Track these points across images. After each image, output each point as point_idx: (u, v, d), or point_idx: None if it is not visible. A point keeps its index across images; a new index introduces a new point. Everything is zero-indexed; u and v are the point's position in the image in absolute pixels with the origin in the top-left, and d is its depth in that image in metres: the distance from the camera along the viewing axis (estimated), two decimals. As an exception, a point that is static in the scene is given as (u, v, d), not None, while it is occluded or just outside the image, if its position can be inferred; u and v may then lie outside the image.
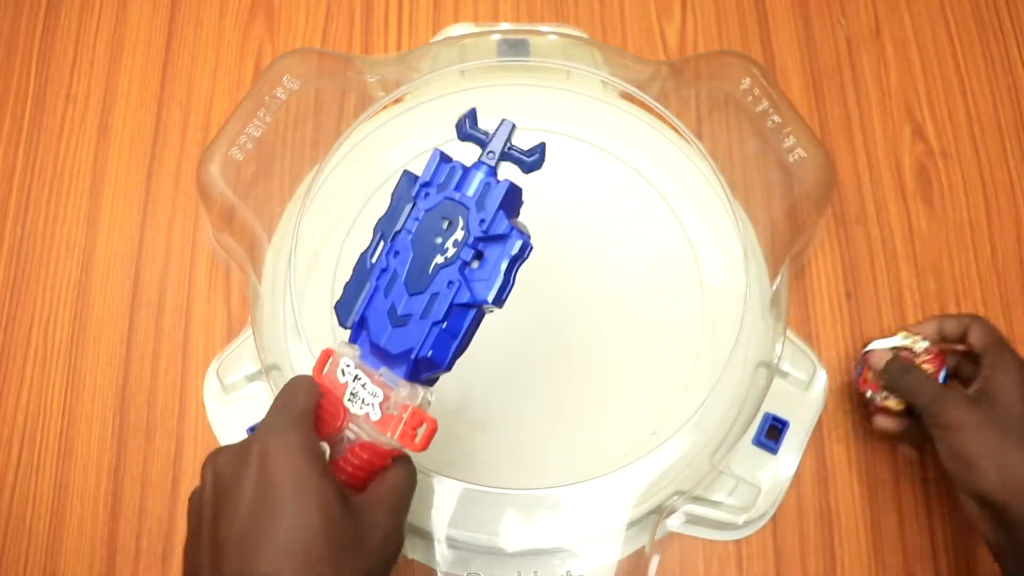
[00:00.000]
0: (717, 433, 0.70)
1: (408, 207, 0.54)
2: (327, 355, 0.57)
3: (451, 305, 0.52)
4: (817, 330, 0.78)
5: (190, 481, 0.74)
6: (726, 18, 0.88)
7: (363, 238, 0.71)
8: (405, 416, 0.53)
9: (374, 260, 0.55)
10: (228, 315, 0.78)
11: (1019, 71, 0.86)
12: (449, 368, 0.54)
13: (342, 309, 0.56)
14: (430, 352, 0.53)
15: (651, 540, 0.69)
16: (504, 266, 0.51)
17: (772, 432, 0.73)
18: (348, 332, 0.56)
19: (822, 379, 0.75)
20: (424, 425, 0.52)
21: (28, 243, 0.80)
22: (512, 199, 0.53)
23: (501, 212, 0.52)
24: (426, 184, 0.54)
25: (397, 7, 0.88)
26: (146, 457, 0.75)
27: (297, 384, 0.55)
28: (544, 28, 0.82)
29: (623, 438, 0.70)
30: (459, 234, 0.52)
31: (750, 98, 0.76)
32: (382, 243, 0.55)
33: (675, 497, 0.69)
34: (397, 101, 0.78)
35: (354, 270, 0.56)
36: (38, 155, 0.83)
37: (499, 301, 0.52)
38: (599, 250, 0.74)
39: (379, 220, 0.55)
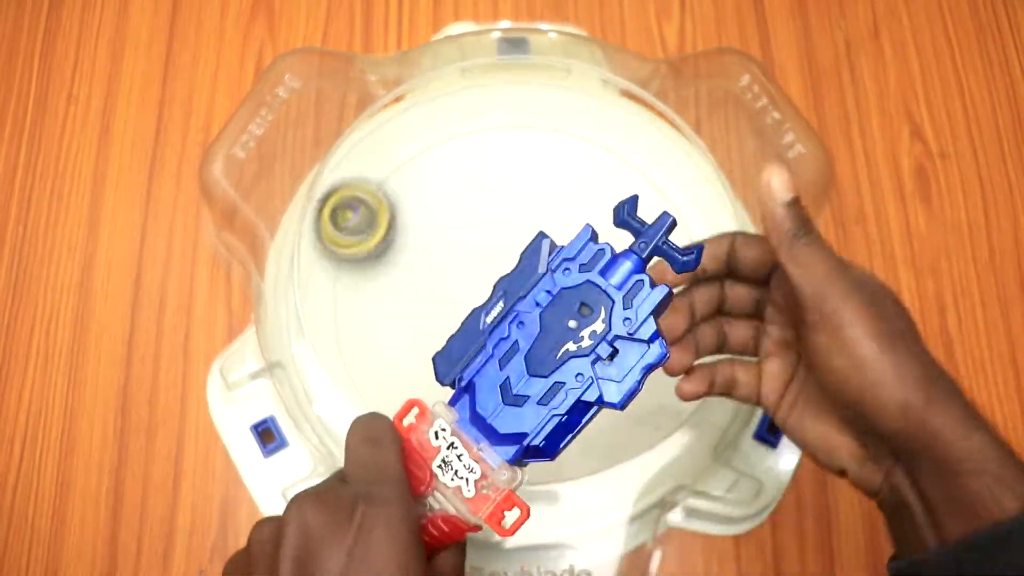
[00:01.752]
0: (718, 428, 0.70)
1: (541, 276, 0.51)
2: (413, 406, 0.53)
3: (577, 400, 0.49)
4: (816, 330, 0.78)
5: (191, 480, 0.75)
6: (724, 18, 0.88)
7: (365, 236, 0.72)
8: (499, 498, 0.50)
9: (489, 320, 0.52)
10: (229, 315, 0.79)
11: (1017, 72, 0.86)
12: (553, 459, 0.51)
13: (443, 363, 0.52)
14: (543, 443, 0.50)
15: (653, 535, 0.69)
16: (640, 372, 0.49)
17: (773, 427, 0.73)
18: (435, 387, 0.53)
19: (823, 375, 0.75)
20: (516, 510, 0.50)
21: (30, 244, 0.80)
22: (664, 306, 0.50)
23: (652, 318, 0.49)
24: (569, 259, 0.51)
25: (397, 7, 0.88)
26: (147, 457, 0.75)
27: (388, 438, 0.51)
28: (544, 26, 0.82)
29: (625, 433, 0.70)
30: (599, 326, 0.49)
31: (749, 95, 0.77)
32: (502, 304, 0.51)
33: (677, 492, 0.69)
34: (398, 99, 0.79)
35: (463, 324, 0.53)
36: (40, 156, 0.83)
37: (624, 406, 0.49)
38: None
39: (502, 278, 0.52)
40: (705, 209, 0.75)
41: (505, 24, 0.85)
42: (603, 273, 0.50)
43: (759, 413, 0.73)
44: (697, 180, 0.76)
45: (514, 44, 0.78)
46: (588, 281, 0.50)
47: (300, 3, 0.88)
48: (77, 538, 0.73)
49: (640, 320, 0.49)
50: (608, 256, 0.51)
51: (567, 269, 0.51)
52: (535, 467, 0.69)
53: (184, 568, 0.73)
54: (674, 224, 0.52)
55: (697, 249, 0.50)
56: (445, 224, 0.75)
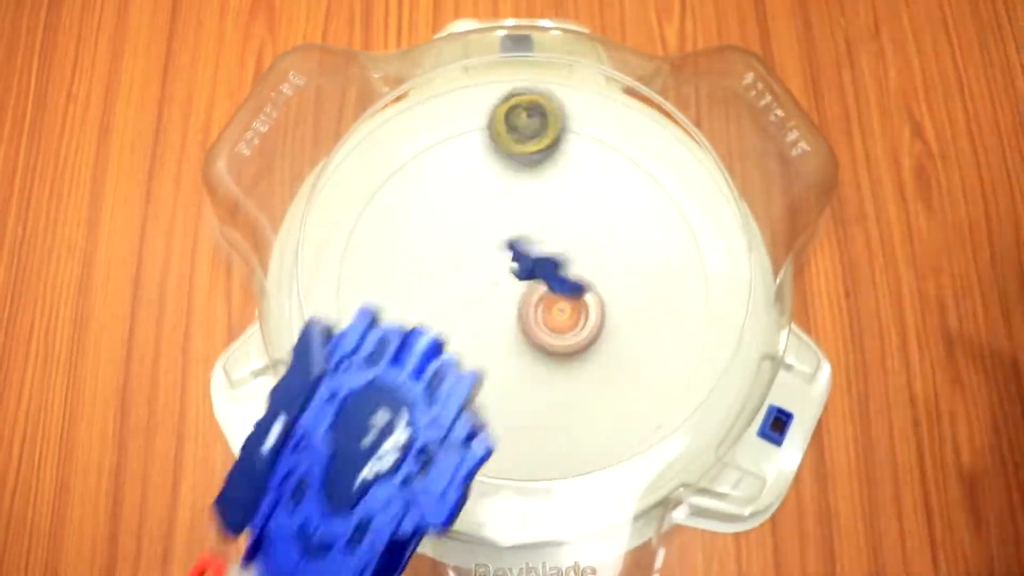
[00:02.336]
0: (722, 426, 0.70)
1: (318, 379, 0.42)
2: (205, 569, 0.45)
3: (391, 539, 0.41)
4: (816, 330, 0.78)
5: (190, 481, 0.74)
6: (725, 17, 0.88)
7: (367, 235, 0.72)
8: None
9: (269, 446, 0.43)
10: (229, 315, 0.78)
11: (1017, 71, 0.86)
12: None
13: (226, 509, 0.44)
14: None
15: (657, 532, 0.69)
16: (462, 481, 0.41)
17: (777, 424, 0.73)
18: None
19: (826, 371, 0.76)
20: None
21: (29, 243, 0.80)
22: (478, 390, 0.43)
23: (465, 413, 0.42)
24: (349, 354, 0.43)
25: (397, 6, 0.88)
26: (147, 457, 0.75)
27: None
28: (547, 23, 0.82)
29: (629, 431, 0.70)
30: (400, 435, 0.41)
31: (753, 93, 0.77)
32: (281, 422, 0.43)
33: (681, 489, 0.69)
34: (400, 97, 0.78)
35: (243, 450, 0.44)
36: (39, 155, 0.83)
37: (451, 523, 0.42)
38: (602, 245, 0.74)
39: (275, 386, 0.44)
40: (708, 207, 0.75)
41: (509, 22, 0.85)
42: (395, 362, 0.43)
43: (763, 410, 0.73)
44: (700, 178, 0.76)
45: (517, 41, 0.78)
46: (376, 379, 0.42)
47: (300, 3, 0.88)
48: (76, 539, 0.73)
49: (451, 416, 0.42)
50: (396, 341, 0.43)
51: (348, 366, 0.43)
52: (538, 464, 0.70)
53: (183, 569, 0.73)
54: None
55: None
56: (449, 222, 0.74)
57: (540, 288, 0.71)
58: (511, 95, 0.75)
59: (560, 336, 0.71)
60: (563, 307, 0.71)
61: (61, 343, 0.78)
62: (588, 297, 0.71)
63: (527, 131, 0.75)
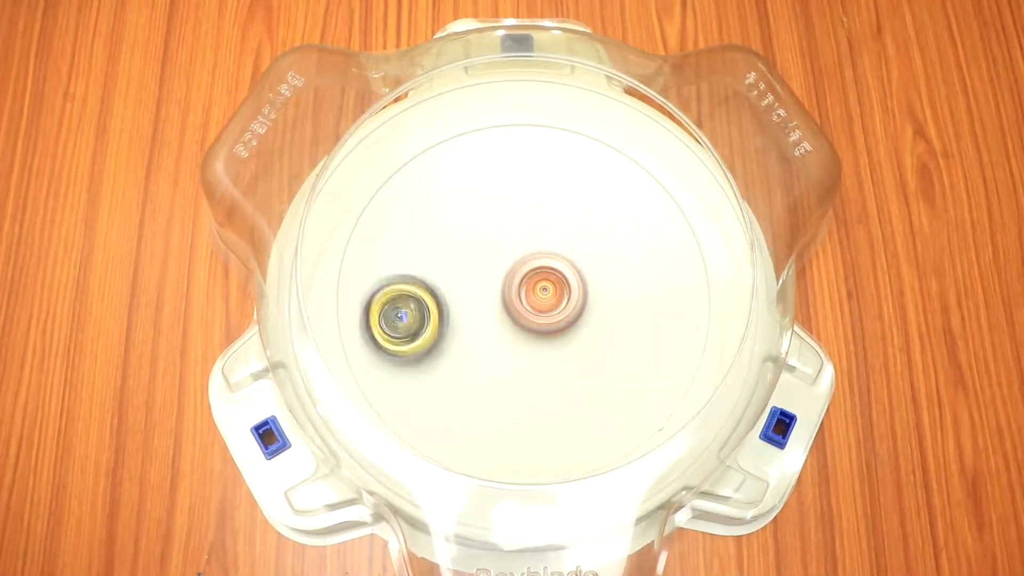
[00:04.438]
0: (725, 428, 0.70)
1: None
2: None
3: None
4: (818, 330, 0.78)
5: (188, 482, 0.74)
6: (727, 17, 0.88)
7: (368, 235, 0.72)
8: None
9: None
10: (227, 315, 0.78)
11: (1021, 70, 0.86)
12: None
13: None
14: None
15: (659, 536, 0.69)
16: None
17: (780, 427, 0.73)
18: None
19: (829, 373, 0.75)
20: None
21: (26, 243, 0.80)
22: None
23: None
24: None
25: (396, 6, 0.88)
26: (144, 458, 0.75)
27: None
28: (548, 23, 0.82)
29: (631, 434, 0.70)
30: None
31: (755, 92, 0.76)
32: None
33: (683, 492, 0.69)
34: (400, 97, 0.78)
35: None
36: (36, 154, 0.82)
37: None
38: (603, 245, 0.74)
39: None
40: (709, 208, 0.75)
41: (509, 21, 0.85)
42: None
43: (766, 413, 0.72)
44: (702, 178, 0.76)
45: (518, 41, 0.78)
46: None
47: (298, 2, 0.88)
48: (73, 540, 0.73)
49: None
50: None
51: None
52: (541, 467, 0.69)
53: (181, 570, 0.72)
54: None
55: None
56: (449, 222, 0.74)
57: (523, 267, 0.71)
58: (377, 290, 0.73)
59: (543, 315, 0.71)
60: (546, 286, 0.71)
61: (58, 343, 0.77)
62: (569, 275, 0.71)
63: (405, 331, 0.71)
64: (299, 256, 0.70)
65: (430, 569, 0.68)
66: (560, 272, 0.72)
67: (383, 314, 0.71)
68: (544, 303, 0.71)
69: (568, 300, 0.71)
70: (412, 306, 0.71)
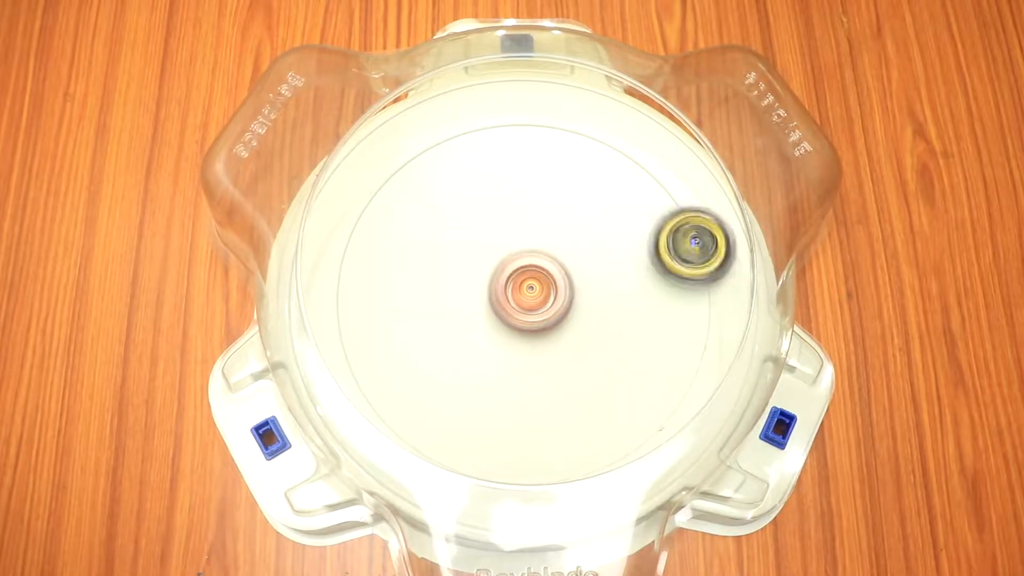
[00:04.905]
0: (725, 428, 0.70)
1: None
2: None
3: None
4: (818, 331, 0.78)
5: (188, 481, 0.74)
6: (726, 17, 0.88)
7: (368, 234, 0.72)
8: None
9: None
10: (227, 315, 0.78)
11: (1021, 70, 0.86)
12: None
13: None
14: None
15: (659, 536, 0.69)
16: None
17: (780, 427, 0.73)
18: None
19: (829, 373, 0.75)
20: None
21: (26, 242, 0.80)
22: None
23: None
24: None
25: (396, 6, 0.88)
26: (144, 458, 0.75)
27: None
28: (548, 23, 0.82)
29: (631, 434, 0.70)
30: None
31: (755, 92, 0.76)
32: None
33: (683, 492, 0.69)
34: (400, 97, 0.78)
35: None
36: (36, 154, 0.82)
37: None
38: (604, 245, 0.74)
39: None
40: (710, 206, 0.75)
41: (509, 21, 0.85)
42: None
43: (766, 413, 0.72)
44: (702, 178, 0.76)
45: (518, 41, 0.78)
46: None
47: (298, 2, 0.88)
48: (73, 540, 0.73)
49: None
50: None
51: None
52: (542, 469, 0.69)
53: (181, 570, 0.72)
54: None
55: None
56: (449, 223, 0.74)
57: (509, 266, 0.72)
58: (672, 215, 0.74)
59: (531, 313, 0.71)
60: (532, 284, 0.71)
61: (58, 343, 0.77)
62: (554, 272, 0.71)
63: (692, 256, 0.73)
64: (299, 256, 0.70)
65: (430, 569, 0.68)
66: (546, 270, 0.72)
67: (673, 239, 0.73)
68: (530, 301, 0.71)
69: (555, 298, 0.71)
70: (703, 235, 0.73)
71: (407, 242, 0.74)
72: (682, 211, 0.73)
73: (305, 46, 0.83)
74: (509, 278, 0.72)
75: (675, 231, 0.73)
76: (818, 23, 0.88)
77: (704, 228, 0.73)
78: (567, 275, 0.72)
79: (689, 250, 0.72)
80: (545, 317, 0.71)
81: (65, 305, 0.78)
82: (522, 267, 0.72)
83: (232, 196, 0.73)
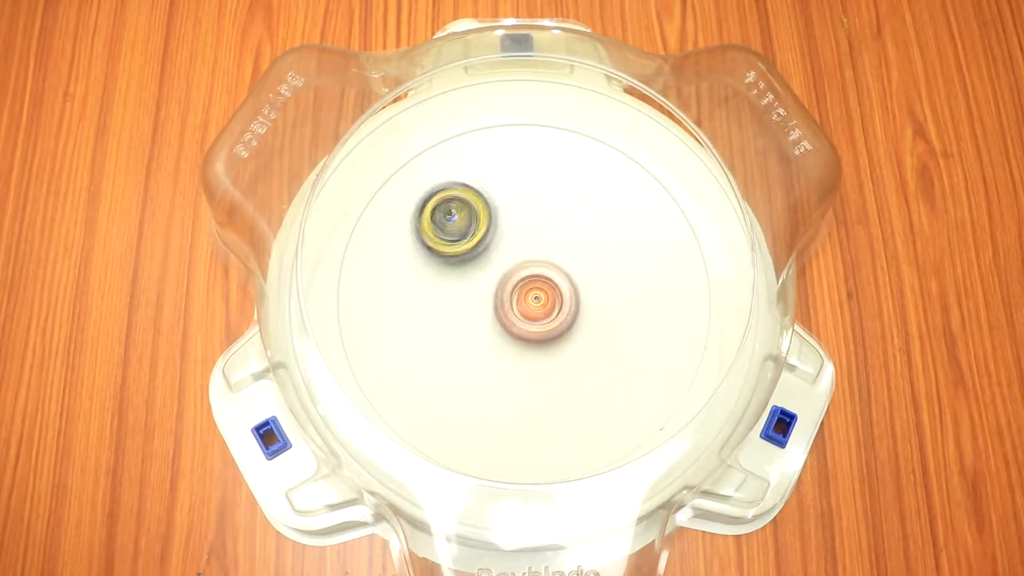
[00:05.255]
0: (725, 427, 0.70)
1: None
2: None
3: None
4: (818, 330, 0.78)
5: (188, 481, 0.74)
6: (726, 17, 0.88)
7: (368, 234, 0.72)
8: None
9: None
10: (227, 315, 0.78)
11: (1021, 70, 0.86)
12: None
13: None
14: None
15: (660, 535, 0.69)
16: None
17: (780, 426, 0.73)
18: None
19: (829, 372, 0.75)
20: None
21: (26, 242, 0.80)
22: None
23: None
24: None
25: (396, 6, 0.88)
26: (144, 458, 0.75)
27: None
28: (548, 23, 0.82)
29: (632, 433, 0.70)
30: None
31: (754, 92, 0.76)
32: None
33: (684, 492, 0.69)
34: (400, 97, 0.78)
35: None
36: (36, 154, 0.82)
37: None
38: (603, 245, 0.74)
39: None
40: (710, 207, 0.75)
41: (509, 21, 0.85)
42: None
43: (767, 412, 0.72)
44: (702, 177, 0.76)
45: (518, 41, 0.78)
46: None
47: (298, 2, 0.88)
48: (73, 540, 0.73)
49: None
50: None
51: None
52: (543, 468, 0.69)
53: (181, 570, 0.72)
54: None
55: None
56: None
57: (515, 275, 0.72)
58: (433, 192, 0.74)
59: (535, 323, 0.71)
60: (538, 295, 0.71)
61: (58, 342, 0.77)
62: (561, 284, 0.71)
63: (453, 231, 0.73)
64: (299, 256, 0.70)
65: (431, 569, 0.68)
66: (552, 280, 0.72)
67: (433, 215, 0.73)
68: (536, 312, 0.71)
69: (560, 309, 0.71)
70: (462, 208, 0.73)
71: (407, 242, 0.73)
72: (441, 188, 0.74)
73: (305, 46, 0.83)
74: (515, 287, 0.72)
75: (434, 208, 0.73)
76: (818, 23, 0.88)
77: (463, 201, 0.73)
78: (574, 286, 0.72)
79: (449, 226, 0.73)
80: (550, 328, 0.71)
81: (65, 305, 0.78)
82: (528, 276, 0.72)
83: (232, 196, 0.73)
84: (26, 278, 0.79)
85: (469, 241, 0.72)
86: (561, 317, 0.71)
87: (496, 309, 0.71)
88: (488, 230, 0.73)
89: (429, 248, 0.72)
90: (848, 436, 0.75)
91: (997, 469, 0.75)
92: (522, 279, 0.72)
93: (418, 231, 0.73)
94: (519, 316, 0.71)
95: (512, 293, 0.71)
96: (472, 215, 0.73)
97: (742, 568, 0.73)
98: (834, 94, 0.85)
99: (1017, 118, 0.84)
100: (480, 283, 0.73)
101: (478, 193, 0.73)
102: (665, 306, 0.73)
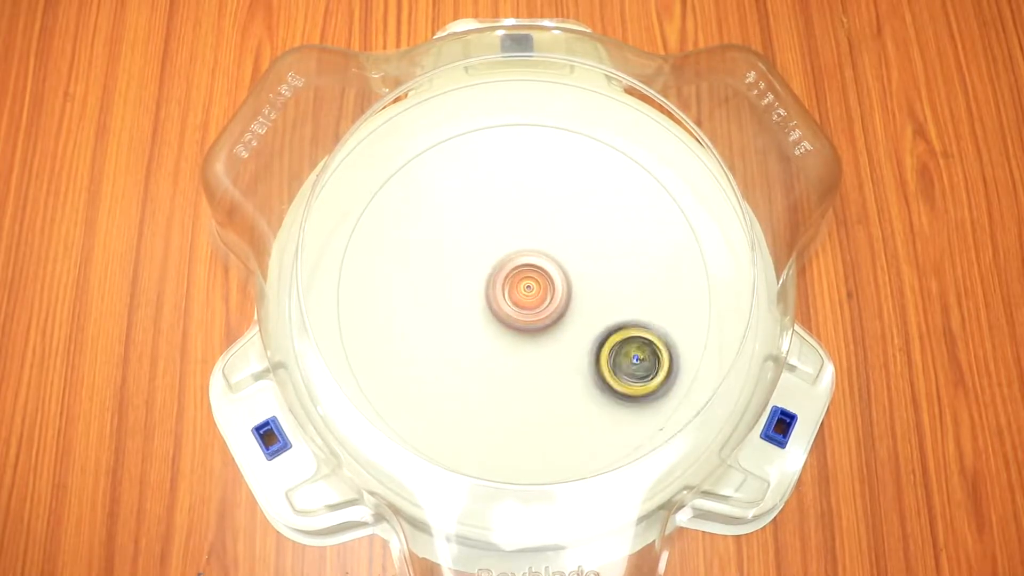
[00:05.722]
0: (725, 427, 0.70)
1: None
2: None
3: None
4: (818, 330, 0.78)
5: (188, 481, 0.74)
6: (727, 17, 0.88)
7: (368, 234, 0.72)
8: None
9: None
10: (227, 316, 0.78)
11: (1021, 70, 0.86)
12: None
13: None
14: None
15: (660, 535, 0.69)
16: None
17: (780, 426, 0.73)
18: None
19: (829, 372, 0.75)
20: None
21: (26, 242, 0.80)
22: None
23: None
24: None
25: (396, 6, 0.88)
26: (144, 458, 0.75)
27: None
28: (548, 23, 0.82)
29: (631, 434, 0.70)
30: None
31: (755, 92, 0.76)
32: None
33: (684, 492, 0.69)
34: (400, 97, 0.78)
35: None
36: (36, 154, 0.82)
37: None
38: (603, 245, 0.74)
39: None
40: (710, 207, 0.75)
41: (509, 21, 0.85)
42: None
43: (767, 412, 0.72)
44: (702, 177, 0.76)
45: (518, 41, 0.78)
46: None
47: (298, 2, 0.88)
48: (73, 540, 0.73)
49: None
50: None
51: None
52: (542, 468, 0.69)
53: (181, 569, 0.72)
54: None
55: None
56: (449, 222, 0.74)
57: (507, 265, 0.72)
58: (614, 329, 0.73)
59: (526, 312, 0.71)
60: (530, 284, 0.71)
61: (58, 342, 0.77)
62: (553, 272, 0.71)
63: (635, 372, 0.72)
64: (299, 256, 0.70)
65: (431, 569, 0.68)
66: (543, 269, 0.72)
67: (613, 356, 0.72)
68: (527, 300, 0.71)
69: (552, 298, 0.71)
70: (645, 350, 0.72)
71: (407, 242, 0.74)
72: (621, 326, 0.73)
73: (305, 46, 0.83)
74: (507, 277, 0.72)
75: (617, 348, 0.72)
76: (818, 23, 0.88)
77: (646, 342, 0.72)
78: (565, 274, 0.72)
79: (632, 366, 0.72)
80: (541, 317, 0.71)
81: (65, 305, 0.78)
82: (519, 266, 0.72)
83: (232, 196, 0.73)
84: (26, 278, 0.79)
85: (652, 382, 0.72)
86: (553, 305, 0.71)
87: (488, 299, 0.71)
88: (670, 373, 0.72)
89: (610, 387, 0.72)
90: (848, 436, 0.75)
91: (997, 469, 0.75)
92: (513, 268, 0.72)
93: (597, 371, 0.72)
94: (511, 305, 0.71)
95: (504, 283, 0.71)
96: (654, 356, 0.72)
97: (742, 568, 0.73)
98: (834, 94, 0.85)
99: (1017, 118, 0.84)
100: (480, 284, 0.73)
101: (660, 337, 0.73)
102: (664, 306, 0.73)
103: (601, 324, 0.72)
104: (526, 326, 0.71)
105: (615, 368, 0.71)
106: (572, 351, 0.72)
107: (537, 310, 0.71)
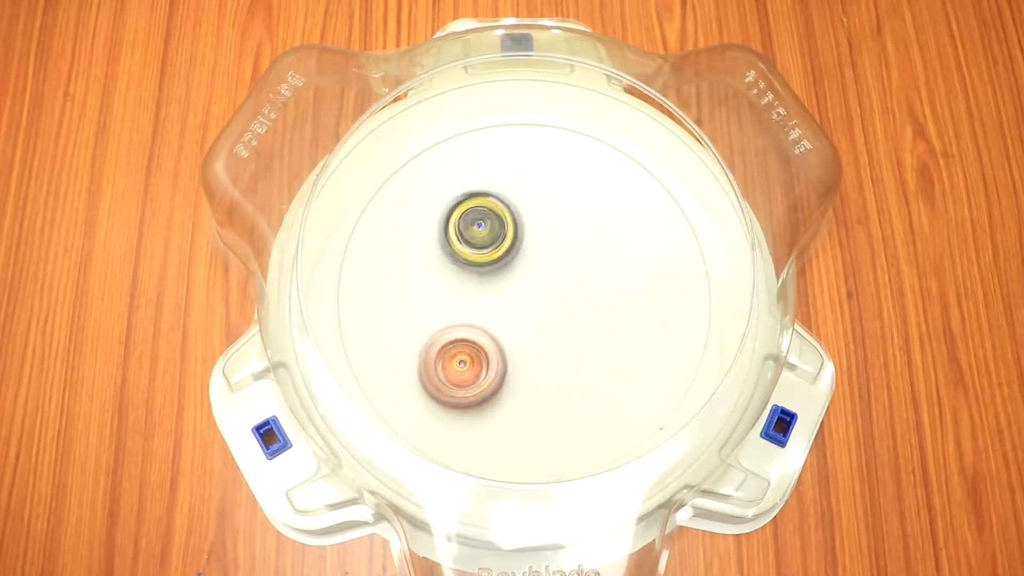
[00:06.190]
0: (726, 427, 0.70)
1: None
2: None
3: None
4: (818, 330, 0.78)
5: (188, 481, 0.74)
6: (727, 17, 0.88)
7: (368, 234, 0.72)
8: None
9: None
10: (227, 316, 0.78)
11: (1021, 70, 0.86)
12: None
13: None
14: None
15: (661, 534, 0.69)
16: None
17: (780, 425, 0.73)
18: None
19: (829, 371, 0.75)
20: None
21: (26, 242, 0.80)
22: None
23: None
24: None
25: (396, 5, 0.88)
26: (144, 458, 0.75)
27: None
28: (548, 23, 0.82)
29: (632, 433, 0.70)
30: None
31: (754, 91, 0.76)
32: None
33: (684, 491, 0.69)
34: (400, 97, 0.78)
35: None
36: (36, 154, 0.82)
37: None
38: (604, 245, 0.74)
39: None
40: (710, 207, 0.75)
41: (509, 21, 0.85)
42: None
43: (767, 411, 0.72)
44: (702, 177, 0.76)
45: (518, 41, 0.78)
46: None
47: (298, 2, 0.88)
48: (73, 540, 0.73)
49: None
50: None
51: None
52: (542, 466, 0.69)
53: (181, 569, 0.72)
54: None
55: None
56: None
57: (437, 343, 0.71)
58: (456, 203, 0.74)
59: (464, 388, 0.70)
60: (463, 358, 0.71)
61: (58, 343, 0.77)
62: (486, 344, 0.71)
63: (481, 242, 0.73)
64: (299, 256, 0.70)
65: (432, 568, 0.68)
66: (478, 344, 0.71)
67: (460, 225, 0.73)
68: (462, 376, 0.71)
69: (486, 372, 0.71)
70: (489, 219, 0.73)
71: (408, 241, 0.73)
72: (470, 195, 0.74)
73: (305, 46, 0.83)
74: (440, 352, 0.71)
75: (462, 216, 0.73)
76: (818, 23, 0.88)
77: (491, 211, 0.73)
78: (499, 348, 0.71)
79: (476, 235, 0.73)
80: (475, 392, 0.70)
81: (65, 305, 0.78)
82: (453, 341, 0.71)
83: (232, 196, 0.73)
84: (26, 278, 0.79)
85: (496, 251, 0.72)
86: (487, 381, 0.71)
87: (420, 374, 0.71)
88: (515, 241, 0.73)
89: (456, 257, 0.73)
90: (848, 436, 0.75)
91: (997, 469, 0.75)
92: (445, 344, 0.71)
93: (444, 240, 0.73)
94: (444, 381, 0.71)
95: (436, 359, 0.71)
96: (499, 225, 0.73)
97: (742, 567, 0.73)
98: (834, 94, 0.85)
99: (1017, 118, 0.84)
100: (480, 283, 0.73)
101: (504, 203, 0.73)
102: (665, 306, 0.73)
103: (601, 323, 0.72)
104: (461, 403, 0.71)
105: (461, 237, 0.73)
106: (571, 349, 0.72)
107: (471, 386, 0.71)
